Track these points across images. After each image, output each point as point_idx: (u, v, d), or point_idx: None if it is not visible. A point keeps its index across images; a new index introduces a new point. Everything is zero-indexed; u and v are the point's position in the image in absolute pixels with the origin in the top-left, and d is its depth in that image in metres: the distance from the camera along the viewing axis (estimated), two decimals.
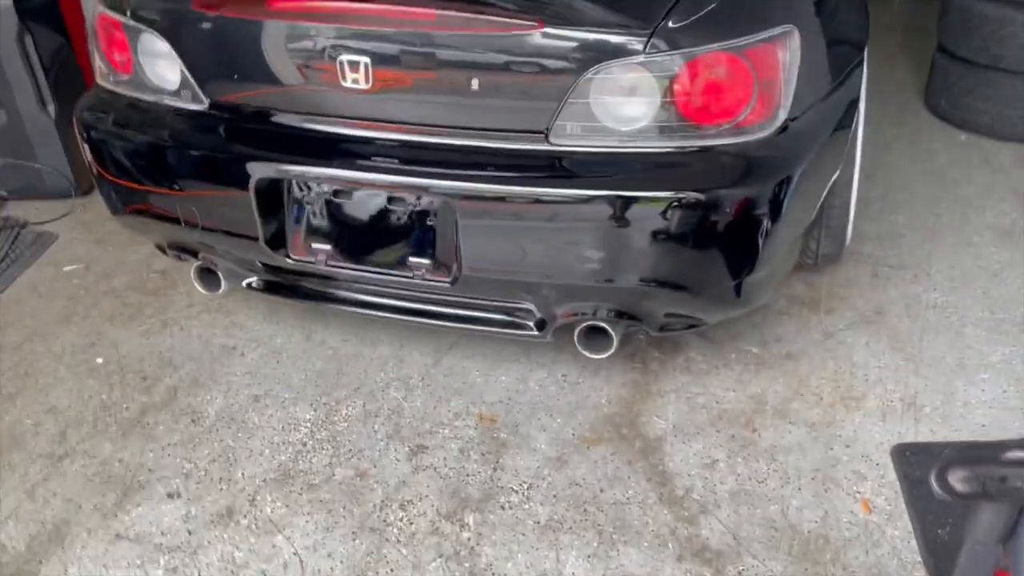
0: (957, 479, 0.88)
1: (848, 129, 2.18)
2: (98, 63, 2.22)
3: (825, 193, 2.16)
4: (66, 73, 3.22)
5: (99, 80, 2.23)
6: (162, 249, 2.42)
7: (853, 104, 2.19)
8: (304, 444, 2.18)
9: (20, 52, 3.00)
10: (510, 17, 1.73)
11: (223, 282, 2.29)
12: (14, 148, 3.17)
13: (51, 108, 3.13)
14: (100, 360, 2.51)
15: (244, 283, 2.26)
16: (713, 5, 1.76)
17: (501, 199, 1.84)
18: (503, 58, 1.77)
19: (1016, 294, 2.60)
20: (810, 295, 2.63)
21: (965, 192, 3.16)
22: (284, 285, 2.22)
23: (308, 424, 2.24)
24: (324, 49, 1.86)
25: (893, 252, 2.83)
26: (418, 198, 1.93)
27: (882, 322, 2.52)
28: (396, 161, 1.89)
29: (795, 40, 1.83)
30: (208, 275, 2.30)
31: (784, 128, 1.84)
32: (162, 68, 2.07)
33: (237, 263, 2.22)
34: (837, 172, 2.19)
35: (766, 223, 1.83)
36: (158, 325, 2.64)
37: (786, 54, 1.82)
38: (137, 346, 2.55)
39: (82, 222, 3.21)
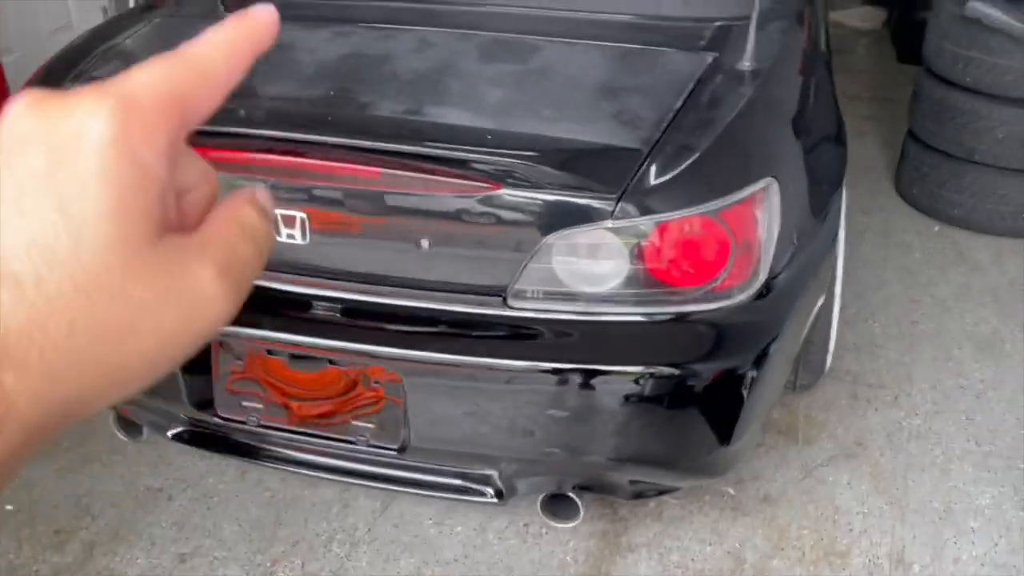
0: None
1: (829, 260, 2.02)
2: None
3: (806, 331, 2.00)
4: None
5: None
6: None
7: (835, 236, 2.04)
8: None
9: None
10: (464, 178, 1.54)
11: (145, 430, 2.06)
12: None
13: None
14: (10, 507, 2.25)
15: (169, 434, 2.02)
16: (685, 165, 1.58)
17: (453, 367, 1.64)
18: (456, 219, 1.58)
19: (1001, 420, 2.47)
20: (787, 421, 2.47)
21: (942, 293, 3.04)
22: (212, 438, 1.99)
23: None
24: None
25: (871, 368, 2.68)
26: (361, 366, 1.72)
27: (864, 456, 2.36)
28: (335, 323, 1.69)
29: (774, 193, 1.67)
30: (129, 423, 2.06)
31: (765, 288, 1.67)
32: None
33: (160, 415, 1.99)
34: (818, 305, 2.03)
35: (745, 394, 1.66)
36: (77, 461, 2.38)
37: (765, 210, 1.65)
38: (52, 488, 2.30)
39: None
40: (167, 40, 2.07)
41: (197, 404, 1.84)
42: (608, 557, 2.07)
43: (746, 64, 1.84)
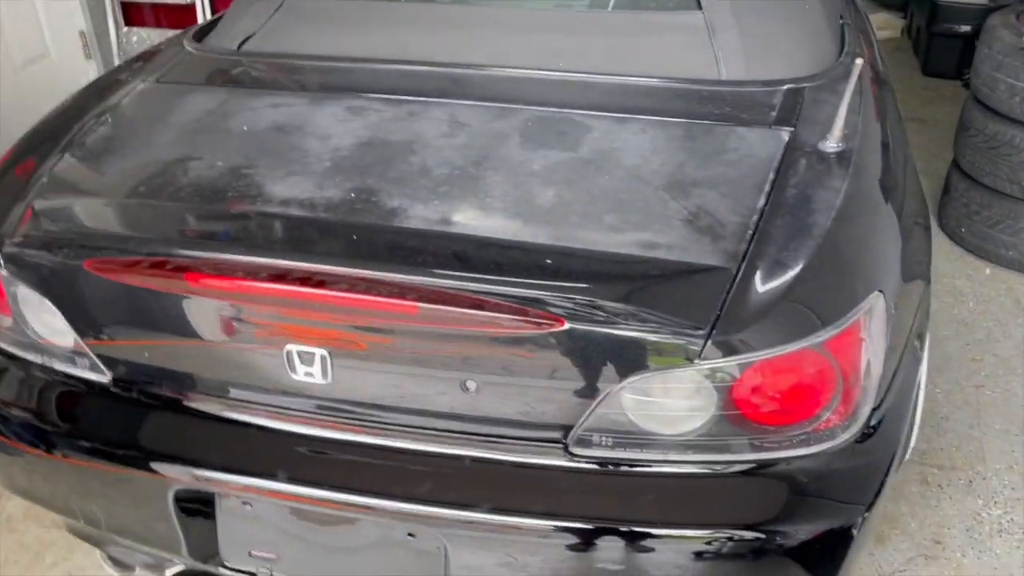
0: None
1: (925, 339, 1.78)
2: None
3: None
4: None
5: None
6: None
7: (925, 331, 1.79)
8: None
9: None
10: (519, 314, 1.27)
11: (138, 568, 1.79)
12: None
13: None
14: None
15: (168, 574, 1.75)
16: (782, 287, 1.32)
17: (503, 527, 1.38)
18: (511, 360, 1.32)
19: None
20: None
21: (1004, 351, 2.80)
22: None
23: None
24: (267, 335, 1.39)
25: (939, 445, 2.43)
26: (394, 529, 1.45)
27: (944, 557, 2.11)
28: (362, 475, 1.42)
29: (880, 308, 1.41)
30: (119, 561, 1.80)
31: (870, 428, 1.42)
32: (50, 320, 1.57)
33: (155, 558, 1.72)
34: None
35: (850, 550, 1.40)
36: None
37: (872, 331, 1.39)
38: None
39: None
40: (147, 126, 1.80)
41: (200, 556, 1.58)
42: None
43: (832, 145, 1.58)
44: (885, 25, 5.70)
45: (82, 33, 4.41)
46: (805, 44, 1.95)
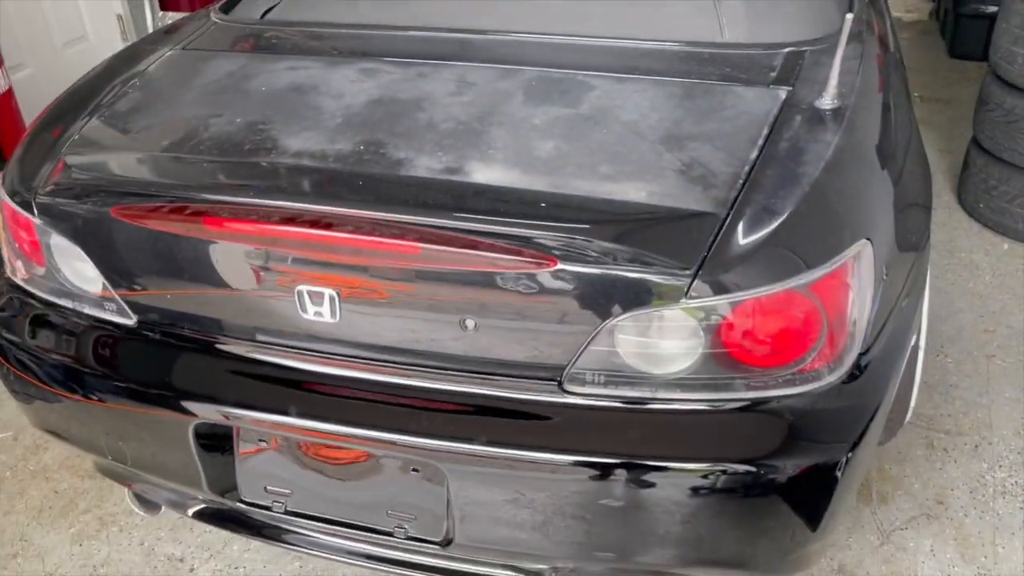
0: None
1: (919, 308, 1.81)
2: (6, 252, 1.81)
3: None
4: None
5: (8, 274, 1.83)
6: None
7: (924, 285, 1.82)
8: None
9: None
10: (516, 254, 1.34)
11: (163, 506, 1.90)
12: None
13: None
14: None
15: (190, 512, 1.85)
16: (769, 231, 1.37)
17: (501, 460, 1.45)
18: (506, 298, 1.39)
19: None
20: None
21: (1018, 323, 2.81)
22: (236, 519, 1.81)
23: None
24: (279, 276, 1.47)
25: (947, 411, 2.46)
26: (400, 462, 1.53)
27: (946, 517, 2.15)
28: (370, 411, 1.50)
29: (868, 256, 1.46)
30: (144, 499, 1.90)
31: (857, 370, 1.47)
32: (82, 268, 1.67)
33: (176, 494, 1.82)
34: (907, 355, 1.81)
35: (836, 488, 1.45)
36: (94, 525, 2.23)
37: (858, 277, 1.44)
38: (67, 556, 2.14)
39: None
40: (171, 88, 1.89)
41: (218, 489, 1.67)
42: None
43: (827, 102, 1.62)
44: (913, 8, 5.67)
45: (119, 17, 4.55)
46: (809, 10, 2.00)
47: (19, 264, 1.76)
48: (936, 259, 3.13)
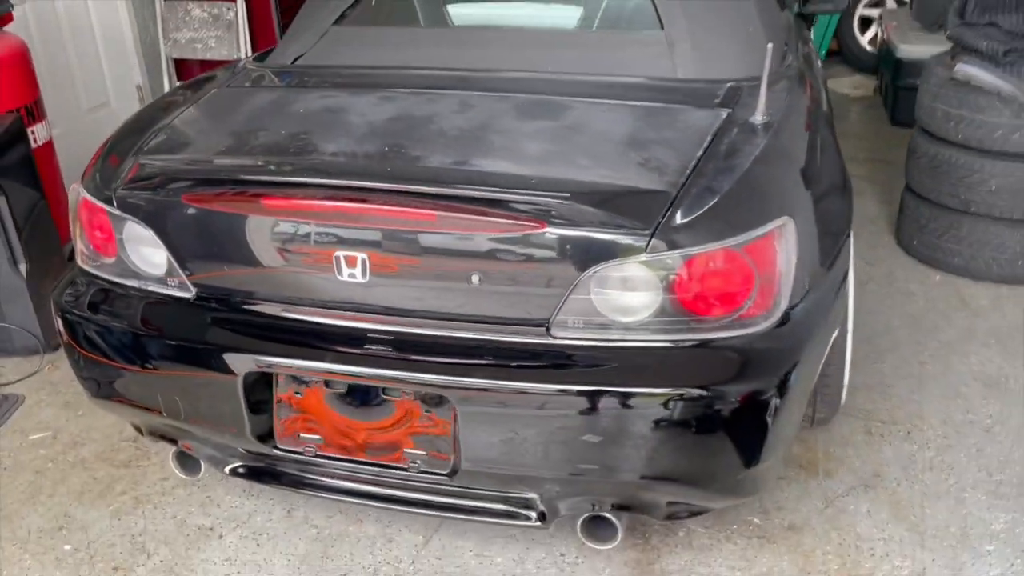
0: None
1: (842, 297, 2.18)
2: (79, 245, 2.16)
3: (822, 363, 2.14)
4: (40, 229, 3.16)
5: (79, 262, 2.17)
6: (138, 429, 2.31)
7: (846, 275, 2.20)
8: None
9: None
10: (511, 218, 1.72)
11: (203, 467, 2.19)
12: None
13: (22, 267, 3.05)
14: (68, 547, 2.36)
15: (227, 469, 2.15)
16: (709, 205, 1.76)
17: (501, 393, 1.79)
18: (504, 256, 1.75)
19: (1010, 452, 2.59)
20: (807, 456, 2.59)
21: (947, 337, 3.19)
22: (268, 471, 2.12)
23: None
24: (320, 245, 1.83)
25: (884, 406, 2.81)
26: (414, 395, 1.86)
27: (881, 487, 2.47)
28: (392, 355, 1.84)
29: (791, 231, 1.84)
30: (188, 460, 2.19)
31: (785, 318, 1.83)
32: (148, 255, 2.01)
33: (219, 450, 2.12)
34: (833, 339, 2.18)
35: (770, 416, 1.80)
36: (130, 503, 2.50)
37: (784, 245, 1.82)
38: (107, 528, 2.41)
39: (50, 382, 3.09)
40: (222, 112, 2.28)
41: (259, 436, 1.98)
42: None
43: (759, 118, 2.03)
44: (860, 85, 6.26)
45: (138, 87, 5.00)
46: (748, 54, 2.43)
47: (92, 253, 2.10)
48: (876, 289, 3.53)
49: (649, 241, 1.71)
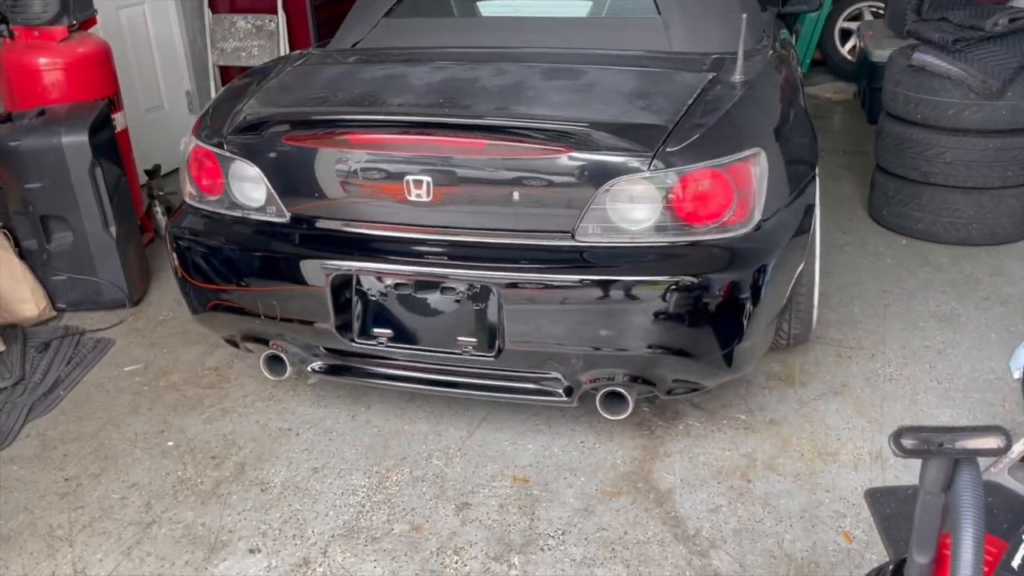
0: (907, 441, 1.28)
1: (808, 231, 2.68)
2: (188, 187, 2.67)
3: (793, 282, 2.64)
4: (123, 199, 3.67)
5: (188, 200, 2.68)
6: (232, 343, 2.80)
7: (810, 209, 2.70)
8: (363, 505, 2.51)
9: (91, 182, 3.44)
10: (544, 144, 2.23)
11: (288, 368, 2.68)
12: (76, 265, 3.57)
13: (113, 229, 3.55)
14: (171, 443, 2.83)
15: (309, 367, 2.64)
16: (699, 134, 2.27)
17: (537, 285, 2.28)
18: (538, 176, 2.26)
19: (958, 368, 3.07)
20: (785, 372, 3.07)
21: (909, 286, 3.68)
22: (344, 367, 2.60)
23: (364, 489, 2.58)
24: (393, 171, 2.34)
25: (852, 336, 3.30)
26: (468, 287, 2.36)
27: (848, 392, 2.95)
28: (450, 258, 2.34)
29: (763, 159, 2.34)
30: (276, 362, 2.68)
31: (758, 227, 2.33)
32: (250, 189, 2.52)
33: (304, 349, 2.61)
34: (801, 265, 2.67)
35: (749, 301, 2.29)
36: (218, 413, 2.98)
37: (757, 170, 2.32)
38: (202, 431, 2.89)
39: (135, 329, 3.58)
40: (304, 79, 2.80)
41: (341, 331, 2.47)
42: (649, 460, 2.65)
43: (737, 77, 2.55)
44: (841, 90, 6.81)
45: (187, 92, 5.54)
46: (730, 34, 2.96)
47: (199, 193, 2.61)
48: (850, 251, 4.03)
49: (651, 161, 2.22)
